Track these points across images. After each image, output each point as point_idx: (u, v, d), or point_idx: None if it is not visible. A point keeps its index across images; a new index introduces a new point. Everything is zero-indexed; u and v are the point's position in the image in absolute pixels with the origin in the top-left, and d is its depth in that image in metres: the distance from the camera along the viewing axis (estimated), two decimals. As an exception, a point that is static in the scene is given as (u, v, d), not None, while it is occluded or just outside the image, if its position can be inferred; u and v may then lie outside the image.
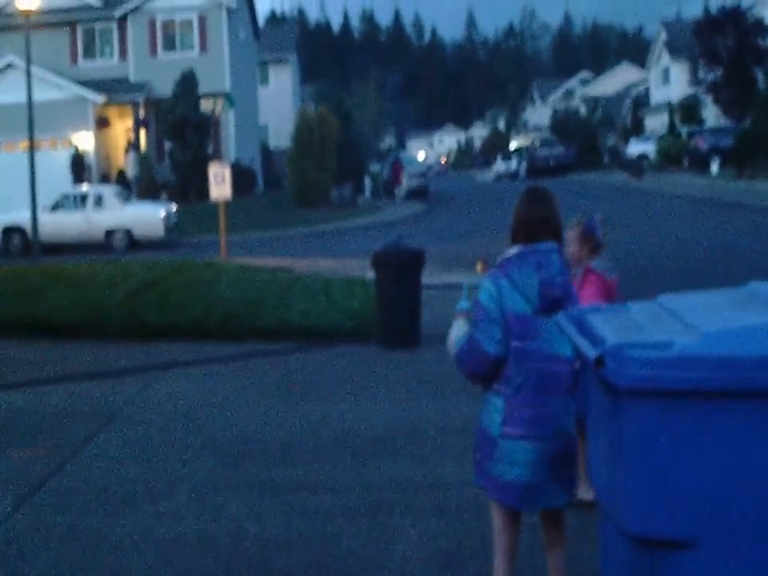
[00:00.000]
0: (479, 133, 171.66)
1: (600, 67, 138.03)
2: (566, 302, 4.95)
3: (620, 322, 4.25)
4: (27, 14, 25.77)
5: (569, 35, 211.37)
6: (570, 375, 4.99)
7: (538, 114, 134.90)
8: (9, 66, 43.77)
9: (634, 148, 68.13)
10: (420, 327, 13.34)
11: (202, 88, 45.03)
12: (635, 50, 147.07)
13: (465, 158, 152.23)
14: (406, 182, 52.09)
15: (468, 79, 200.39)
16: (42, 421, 10.08)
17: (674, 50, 74.11)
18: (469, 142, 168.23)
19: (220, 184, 24.47)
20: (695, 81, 61.78)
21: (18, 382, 11.95)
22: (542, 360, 4.89)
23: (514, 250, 5.01)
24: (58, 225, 31.16)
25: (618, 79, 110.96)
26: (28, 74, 25.60)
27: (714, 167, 51.11)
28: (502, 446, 4.91)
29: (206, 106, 45.82)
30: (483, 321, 4.92)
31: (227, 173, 24.73)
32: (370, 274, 14.82)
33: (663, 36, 78.63)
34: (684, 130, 61.19)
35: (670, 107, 67.06)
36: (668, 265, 20.61)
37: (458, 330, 5.16)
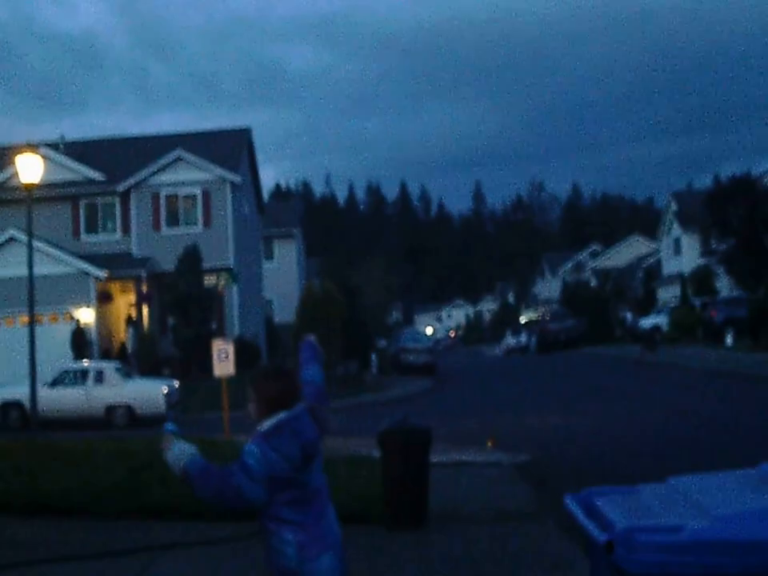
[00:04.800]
0: (488, 306, 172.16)
1: (610, 239, 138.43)
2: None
3: (629, 504, 4.14)
4: (29, 187, 25.09)
5: (578, 207, 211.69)
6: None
7: (549, 287, 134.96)
8: (10, 239, 43.34)
9: (647, 320, 67.14)
10: (428, 507, 12.99)
11: (206, 263, 44.63)
12: (645, 221, 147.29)
13: (474, 332, 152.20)
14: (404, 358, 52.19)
15: (476, 253, 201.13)
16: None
17: (684, 220, 73.61)
18: (478, 316, 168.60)
19: (223, 361, 23.81)
20: (707, 251, 61.00)
21: (15, 561, 11.52)
22: (317, 494, 5.64)
23: (271, 422, 5.63)
24: (57, 400, 30.92)
25: (629, 251, 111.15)
26: (30, 248, 24.81)
27: (729, 339, 49.96)
28: (307, 570, 5.35)
29: (209, 280, 45.25)
30: (249, 476, 5.40)
31: (231, 349, 24.14)
32: (376, 453, 14.29)
33: (673, 207, 78.32)
34: (697, 302, 60.26)
35: (682, 278, 66.39)
36: (681, 442, 20.20)
37: (180, 447, 5.37)
